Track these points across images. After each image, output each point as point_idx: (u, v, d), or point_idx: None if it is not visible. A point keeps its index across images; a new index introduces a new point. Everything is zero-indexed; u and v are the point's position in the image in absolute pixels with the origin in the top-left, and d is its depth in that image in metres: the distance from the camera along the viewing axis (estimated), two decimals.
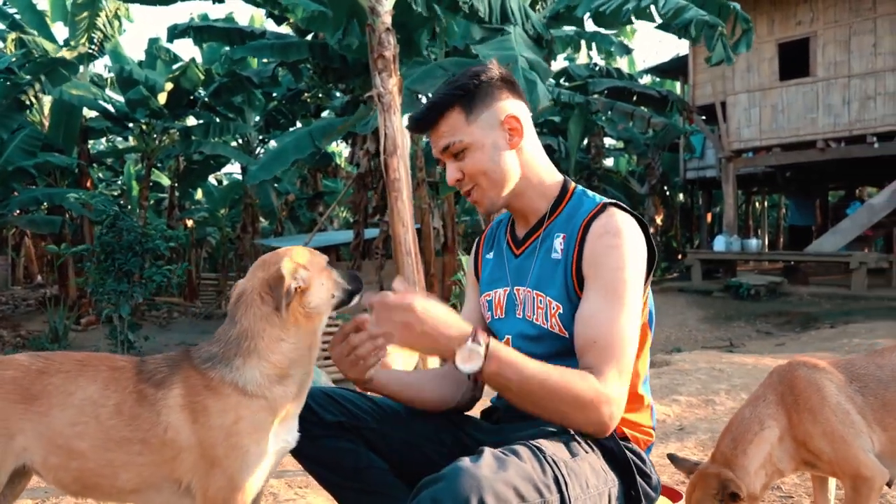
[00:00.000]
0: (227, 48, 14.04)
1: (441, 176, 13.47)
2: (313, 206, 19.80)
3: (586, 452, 1.47)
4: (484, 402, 1.85)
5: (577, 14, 9.64)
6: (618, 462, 1.52)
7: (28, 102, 14.96)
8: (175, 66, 16.68)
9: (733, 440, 1.92)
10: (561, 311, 1.57)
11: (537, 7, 11.69)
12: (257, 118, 17.84)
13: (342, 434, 1.67)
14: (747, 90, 14.30)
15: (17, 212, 16.36)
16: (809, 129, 13.56)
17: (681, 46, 38.76)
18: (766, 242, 23.28)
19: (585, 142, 17.50)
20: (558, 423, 1.47)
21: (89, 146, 17.69)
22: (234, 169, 24.12)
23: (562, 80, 14.98)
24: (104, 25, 14.54)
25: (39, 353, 1.59)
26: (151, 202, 20.12)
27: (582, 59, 18.86)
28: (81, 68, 15.08)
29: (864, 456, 1.86)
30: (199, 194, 24.22)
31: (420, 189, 11.12)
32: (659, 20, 8.94)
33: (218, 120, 16.80)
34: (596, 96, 13.82)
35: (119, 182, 23.72)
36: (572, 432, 1.50)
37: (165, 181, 22.02)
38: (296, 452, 1.63)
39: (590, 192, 1.67)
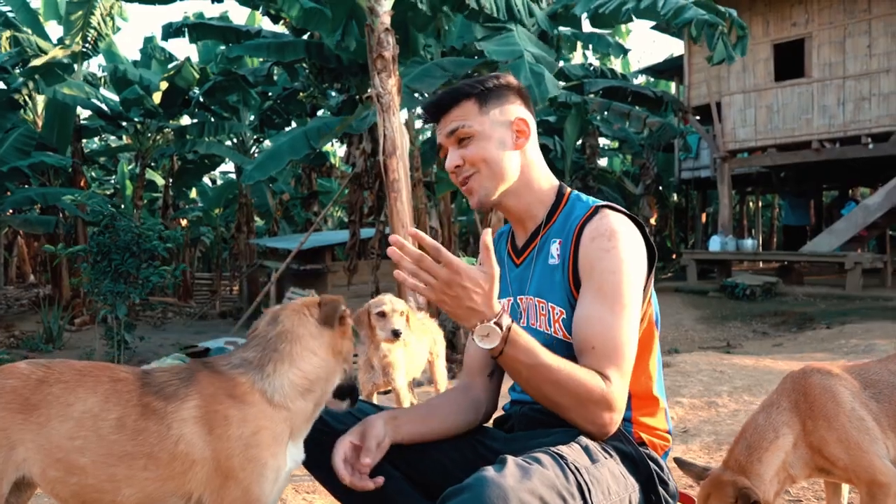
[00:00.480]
0: (223, 47, 13.99)
1: (437, 176, 13.47)
2: (308, 206, 19.76)
3: (606, 458, 1.47)
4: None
5: (575, 13, 9.64)
6: (637, 467, 1.52)
7: (22, 101, 14.89)
8: (170, 66, 16.61)
9: (748, 447, 1.91)
10: (564, 316, 1.58)
11: (540, 5, 11.69)
12: (252, 117, 17.79)
13: None
14: (743, 91, 14.34)
15: (10, 211, 16.28)
16: (804, 130, 13.60)
17: (675, 47, 38.86)
18: (760, 242, 23.35)
19: (580, 142, 17.51)
20: (561, 417, 1.48)
21: (83, 145, 17.61)
22: (228, 168, 24.01)
23: (558, 80, 14.99)
24: (98, 24, 14.45)
25: (40, 360, 1.56)
26: (145, 201, 20.04)
27: (576, 59, 18.86)
28: (75, 67, 15.00)
29: (880, 462, 1.85)
30: (193, 193, 24.15)
31: (417, 189, 11.11)
32: (659, 19, 8.96)
33: (213, 119, 16.76)
34: (591, 96, 13.83)
35: (112, 181, 23.63)
36: (589, 437, 1.49)
37: (159, 180, 21.96)
38: (307, 463, 1.61)
39: (584, 196, 1.68)
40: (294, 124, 16.46)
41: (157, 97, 15.67)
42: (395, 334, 3.00)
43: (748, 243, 15.39)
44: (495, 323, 1.39)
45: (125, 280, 9.71)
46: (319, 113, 16.72)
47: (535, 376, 1.44)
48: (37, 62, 13.16)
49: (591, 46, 14.79)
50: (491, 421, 1.83)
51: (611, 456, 1.48)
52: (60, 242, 13.57)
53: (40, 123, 15.72)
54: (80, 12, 14.31)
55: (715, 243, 14.78)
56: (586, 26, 11.82)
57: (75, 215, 14.82)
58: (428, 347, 3.77)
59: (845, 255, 12.63)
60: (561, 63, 16.86)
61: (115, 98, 16.23)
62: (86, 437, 1.43)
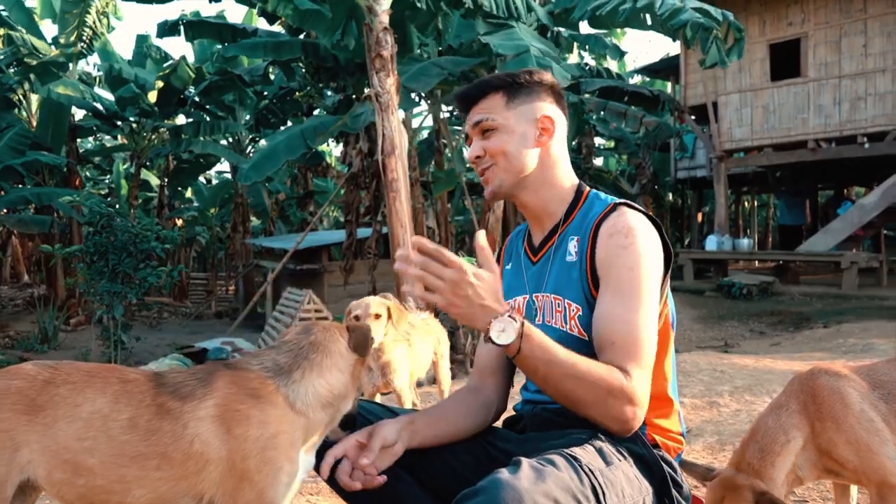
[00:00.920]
0: (219, 46, 13.94)
1: (434, 176, 13.46)
2: (304, 206, 19.72)
3: (620, 461, 1.46)
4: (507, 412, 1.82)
5: (574, 17, 9.63)
6: (651, 470, 1.51)
7: (16, 101, 14.81)
8: (165, 65, 16.55)
9: (761, 451, 1.90)
10: (580, 313, 1.57)
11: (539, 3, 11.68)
12: (248, 117, 17.74)
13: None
14: (739, 90, 14.37)
15: (5, 211, 16.20)
16: (800, 130, 13.64)
17: (671, 46, 38.93)
18: (756, 242, 23.41)
19: (576, 141, 17.52)
20: (581, 414, 1.47)
21: (78, 144, 17.54)
22: (224, 168, 23.97)
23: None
24: (93, 23, 14.40)
25: (46, 361, 1.54)
26: (140, 201, 19.98)
27: (572, 59, 18.85)
28: (70, 66, 14.94)
29: (890, 464, 1.85)
30: (188, 193, 24.07)
31: (414, 189, 11.11)
32: (654, 22, 8.95)
33: (208, 118, 16.71)
34: (588, 96, 13.83)
35: (107, 181, 23.55)
36: (603, 440, 1.48)
37: (154, 180, 21.88)
38: (317, 467, 1.60)
39: (602, 194, 1.68)
40: (290, 124, 16.42)
41: (152, 96, 15.61)
42: None
43: (744, 243, 15.43)
44: (509, 316, 1.38)
45: (122, 280, 9.68)
46: (316, 112, 16.68)
47: (553, 372, 1.43)
48: (31, 61, 13.10)
49: (587, 47, 14.80)
50: (501, 422, 1.81)
51: (625, 458, 1.47)
52: (56, 243, 13.51)
53: (35, 123, 15.65)
54: (74, 11, 14.26)
55: (711, 243, 14.81)
56: (583, 27, 11.81)
57: (70, 215, 14.76)
58: (433, 347, 3.74)
59: (841, 255, 12.67)
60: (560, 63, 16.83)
61: (111, 97, 16.17)
62: (95, 437, 1.41)
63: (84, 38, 14.56)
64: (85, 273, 9.95)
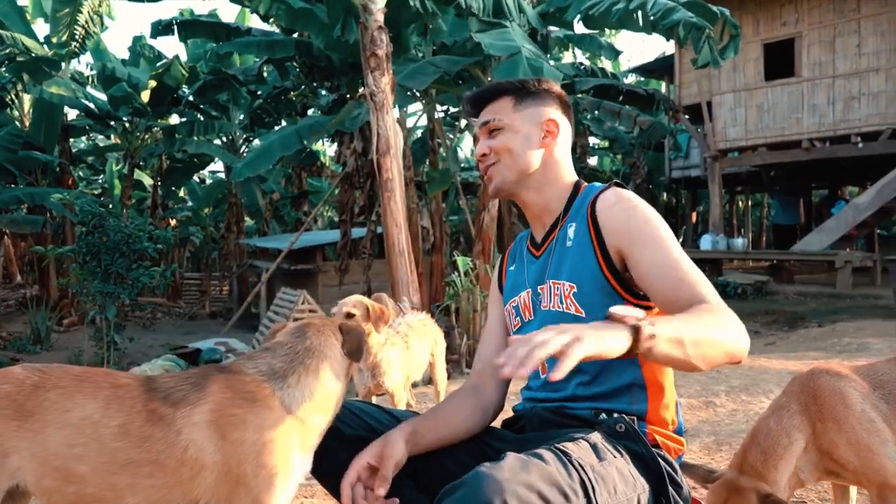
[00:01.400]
0: (212, 45, 13.88)
1: (428, 176, 13.43)
2: (298, 205, 19.67)
3: (614, 457, 1.44)
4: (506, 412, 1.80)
5: (567, 17, 9.63)
6: (648, 468, 1.48)
7: (8, 100, 14.72)
8: (159, 64, 16.48)
9: (763, 453, 1.88)
10: (575, 290, 1.58)
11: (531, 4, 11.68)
12: (242, 116, 17.69)
13: (362, 448, 1.62)
14: (733, 90, 14.38)
15: None
16: (794, 129, 13.66)
17: (665, 46, 38.99)
18: (750, 241, 23.46)
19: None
20: (725, 359, 1.37)
21: (70, 144, 17.46)
22: (217, 167, 23.88)
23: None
24: (86, 22, 14.32)
25: (36, 365, 1.52)
26: (133, 201, 19.89)
27: (566, 58, 18.86)
28: (63, 66, 14.86)
29: (891, 465, 1.83)
30: (182, 193, 23.99)
31: (408, 189, 11.09)
32: (646, 22, 8.95)
33: (202, 118, 16.65)
34: (582, 95, 13.82)
35: (100, 181, 23.45)
36: (600, 437, 1.46)
37: (148, 180, 21.81)
38: (314, 470, 1.58)
39: (598, 185, 1.71)
40: (284, 123, 16.39)
41: (145, 96, 15.54)
42: None
43: (739, 242, 15.44)
44: (632, 327, 1.25)
45: (115, 281, 9.63)
46: (310, 112, 16.66)
47: (685, 348, 1.30)
48: (23, 60, 13.03)
49: (582, 47, 14.80)
50: (500, 422, 1.80)
51: (621, 455, 1.45)
52: (49, 243, 13.44)
53: (27, 122, 15.57)
54: (66, 10, 14.18)
55: (706, 242, 14.82)
56: (578, 27, 11.82)
57: (62, 215, 14.68)
58: (429, 349, 3.72)
59: (835, 254, 12.69)
60: (552, 62, 16.85)
61: (103, 97, 16.09)
62: (85, 444, 1.38)
63: (76, 37, 14.47)
64: (77, 273, 9.90)
